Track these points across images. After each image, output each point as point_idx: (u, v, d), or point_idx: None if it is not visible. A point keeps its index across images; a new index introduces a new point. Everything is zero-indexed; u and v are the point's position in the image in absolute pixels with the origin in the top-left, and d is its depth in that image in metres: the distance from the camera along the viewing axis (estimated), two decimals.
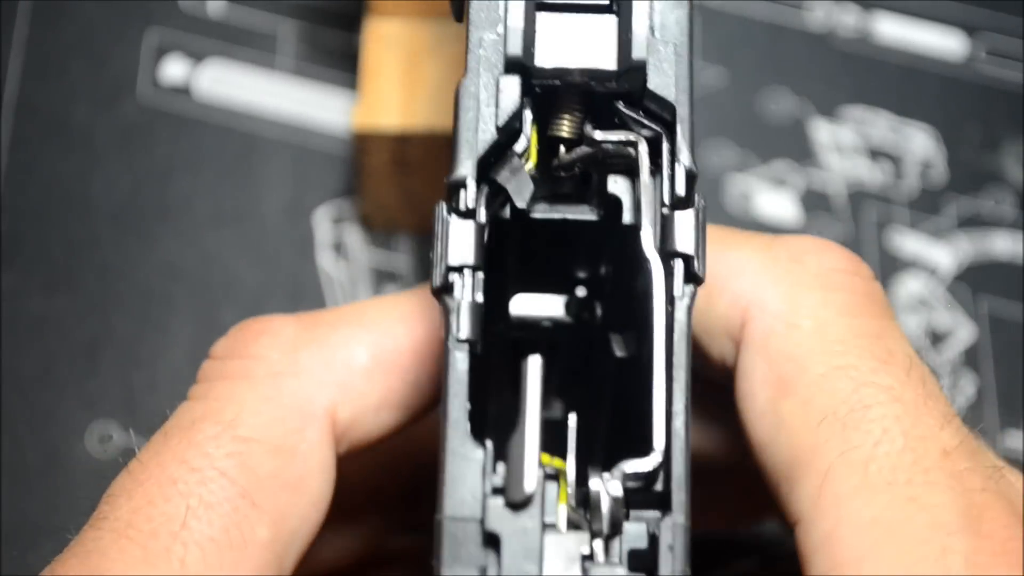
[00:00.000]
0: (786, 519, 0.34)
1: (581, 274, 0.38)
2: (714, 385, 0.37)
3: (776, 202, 0.62)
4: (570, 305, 0.38)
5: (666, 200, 0.32)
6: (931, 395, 0.34)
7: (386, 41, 0.55)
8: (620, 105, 0.32)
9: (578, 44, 0.32)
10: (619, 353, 0.37)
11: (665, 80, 0.32)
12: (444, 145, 0.33)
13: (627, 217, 0.34)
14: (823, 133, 0.64)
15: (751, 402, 0.35)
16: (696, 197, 0.32)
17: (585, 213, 0.35)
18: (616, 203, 0.34)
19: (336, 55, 0.62)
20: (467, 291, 0.31)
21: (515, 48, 0.32)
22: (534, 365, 0.30)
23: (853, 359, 0.34)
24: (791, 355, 0.35)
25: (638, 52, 0.31)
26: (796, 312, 0.35)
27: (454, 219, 0.31)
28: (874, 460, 0.32)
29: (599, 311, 0.38)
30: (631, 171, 0.33)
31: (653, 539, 0.30)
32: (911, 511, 0.32)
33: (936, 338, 0.61)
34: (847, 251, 0.37)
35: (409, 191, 0.57)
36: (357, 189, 0.59)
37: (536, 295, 0.38)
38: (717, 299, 0.36)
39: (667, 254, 0.32)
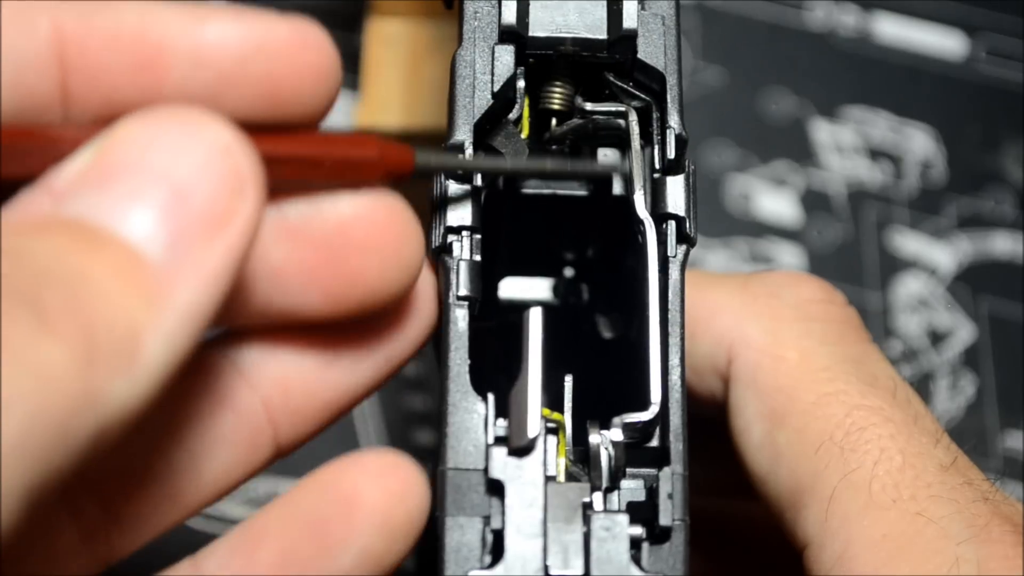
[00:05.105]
0: (794, 545, 0.35)
1: (568, 256, 0.39)
2: (702, 420, 0.38)
3: (776, 202, 0.62)
4: (557, 287, 0.39)
5: (657, 165, 0.33)
6: (919, 414, 0.35)
7: (388, 41, 0.55)
8: (610, 76, 0.33)
9: (570, 15, 0.33)
10: (606, 335, 0.38)
11: (654, 50, 0.33)
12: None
13: (617, 188, 0.35)
14: (823, 133, 0.64)
15: (747, 437, 0.36)
16: (686, 162, 0.33)
17: (575, 188, 0.36)
18: (606, 176, 0.35)
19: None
20: (465, 251, 0.32)
21: (509, 17, 0.32)
22: (535, 316, 0.31)
23: (841, 385, 0.35)
24: (781, 387, 0.36)
25: (629, 22, 0.32)
26: (780, 344, 0.36)
27: (451, 183, 0.32)
28: (876, 479, 0.33)
29: (586, 294, 0.39)
30: (621, 143, 0.34)
31: (651, 491, 0.31)
32: (919, 525, 0.32)
33: (936, 338, 0.61)
34: (820, 280, 0.38)
35: (409, 191, 0.57)
36: None
37: (524, 279, 0.39)
38: (701, 338, 0.37)
39: (659, 216, 0.32)
